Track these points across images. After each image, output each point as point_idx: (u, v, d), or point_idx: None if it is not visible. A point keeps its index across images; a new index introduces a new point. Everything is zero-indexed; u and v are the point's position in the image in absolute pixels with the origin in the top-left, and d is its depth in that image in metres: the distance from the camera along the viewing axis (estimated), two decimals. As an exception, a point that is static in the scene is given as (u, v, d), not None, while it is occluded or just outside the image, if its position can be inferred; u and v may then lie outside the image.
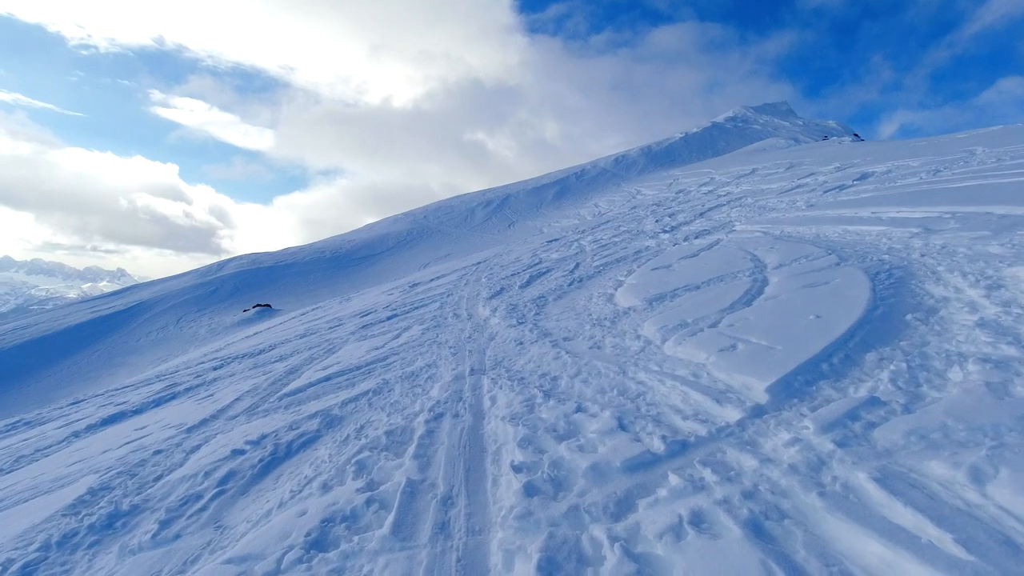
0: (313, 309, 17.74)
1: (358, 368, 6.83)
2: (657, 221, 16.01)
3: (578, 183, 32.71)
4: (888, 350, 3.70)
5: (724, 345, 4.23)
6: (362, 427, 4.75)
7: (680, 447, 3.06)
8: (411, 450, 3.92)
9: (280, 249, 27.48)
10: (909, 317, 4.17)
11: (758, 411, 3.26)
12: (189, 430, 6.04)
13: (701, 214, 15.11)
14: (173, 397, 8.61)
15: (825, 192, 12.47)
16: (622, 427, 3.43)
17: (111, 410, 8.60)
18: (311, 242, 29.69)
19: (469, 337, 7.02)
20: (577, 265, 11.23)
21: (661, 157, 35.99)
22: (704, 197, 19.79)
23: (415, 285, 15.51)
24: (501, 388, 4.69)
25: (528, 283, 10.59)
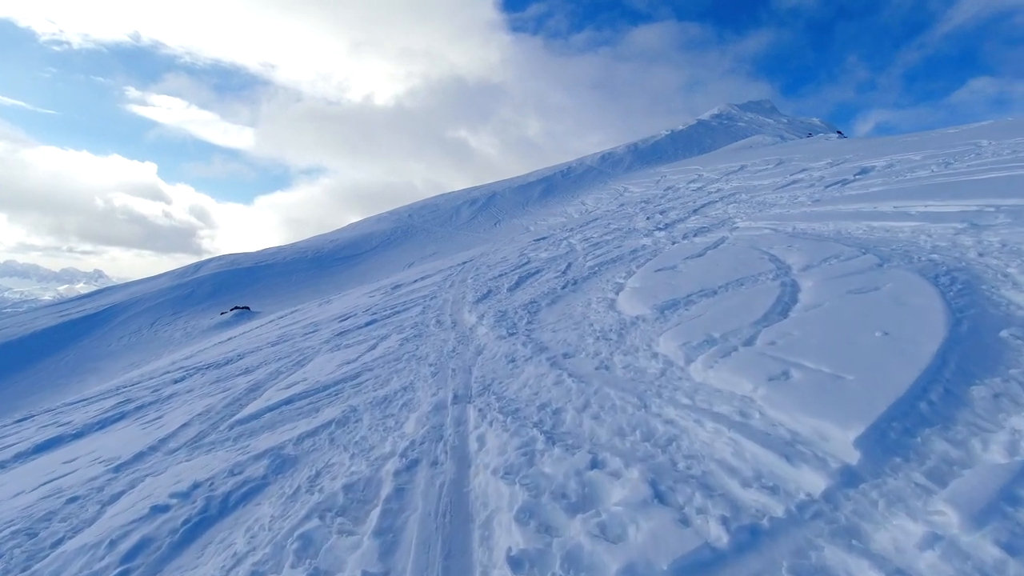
0: (291, 312, 16.59)
1: (325, 388, 5.78)
2: (648, 218, 15.11)
3: (564, 181, 31.73)
4: (999, 382, 2.75)
5: (773, 371, 3.25)
6: (318, 474, 3.71)
7: (750, 537, 2.08)
8: (374, 518, 2.89)
9: (260, 249, 26.14)
10: (1005, 334, 3.23)
11: (850, 476, 2.29)
12: (119, 468, 4.95)
13: (695, 211, 14.22)
14: (121, 417, 7.49)
15: (827, 187, 11.61)
16: (659, 496, 2.44)
17: (51, 432, 7.45)
18: (293, 242, 28.40)
19: (453, 351, 5.99)
20: (569, 265, 10.25)
21: (647, 154, 35.11)
22: (694, 194, 18.96)
23: (398, 287, 14.42)
24: (491, 424, 3.68)
25: (517, 285, 9.59)
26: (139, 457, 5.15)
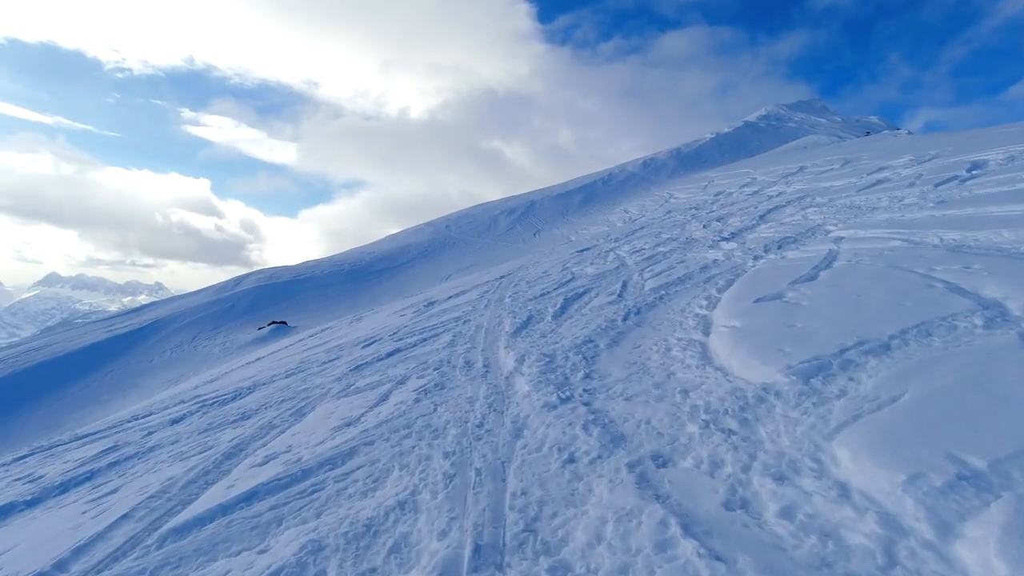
0: (322, 330, 15.08)
1: (303, 476, 3.91)
2: (705, 227, 12.85)
3: (605, 188, 29.47)
4: None
5: None
6: None
7: None
8: None
9: (299, 263, 25.01)
10: None
11: None
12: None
13: (761, 217, 11.88)
14: (87, 479, 5.89)
15: (937, 186, 9.14)
16: None
17: (10, 495, 5.94)
18: (333, 254, 27.22)
19: (480, 424, 4.02)
20: (624, 285, 8.18)
21: (691, 159, 32.37)
22: (750, 199, 16.54)
23: (431, 304, 12.64)
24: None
25: (563, 310, 7.59)
26: (32, 585, 3.42)
